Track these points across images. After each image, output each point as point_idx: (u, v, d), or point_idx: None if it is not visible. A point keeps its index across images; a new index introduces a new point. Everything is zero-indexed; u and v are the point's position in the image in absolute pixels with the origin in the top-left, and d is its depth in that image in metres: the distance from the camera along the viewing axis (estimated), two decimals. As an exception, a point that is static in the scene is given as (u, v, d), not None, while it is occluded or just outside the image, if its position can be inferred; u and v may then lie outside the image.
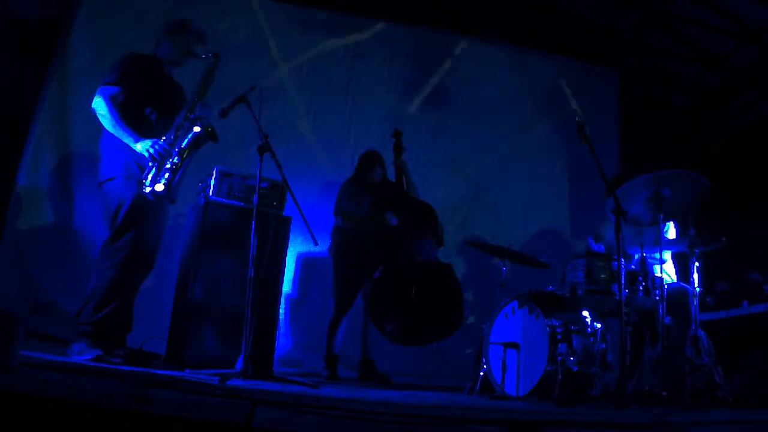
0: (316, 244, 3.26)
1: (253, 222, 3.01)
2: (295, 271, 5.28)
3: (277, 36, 5.71)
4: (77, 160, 4.84)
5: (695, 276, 3.49)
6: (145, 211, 3.19)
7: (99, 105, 3.22)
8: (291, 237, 3.56)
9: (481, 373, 3.49)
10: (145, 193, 3.11)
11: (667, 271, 4.10)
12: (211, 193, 3.36)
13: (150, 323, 3.51)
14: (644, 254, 3.51)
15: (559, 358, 3.17)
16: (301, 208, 3.14)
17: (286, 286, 4.79)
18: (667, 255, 4.05)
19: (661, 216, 3.33)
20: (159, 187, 3.10)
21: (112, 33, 5.08)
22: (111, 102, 3.22)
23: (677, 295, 3.72)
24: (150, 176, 3.12)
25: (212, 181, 3.37)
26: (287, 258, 3.59)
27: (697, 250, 3.53)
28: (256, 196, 3.10)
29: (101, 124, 3.25)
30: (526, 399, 3.22)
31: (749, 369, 3.39)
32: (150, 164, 3.14)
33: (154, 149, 3.12)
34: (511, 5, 6.10)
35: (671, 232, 4.14)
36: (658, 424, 2.18)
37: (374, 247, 4.29)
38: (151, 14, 5.12)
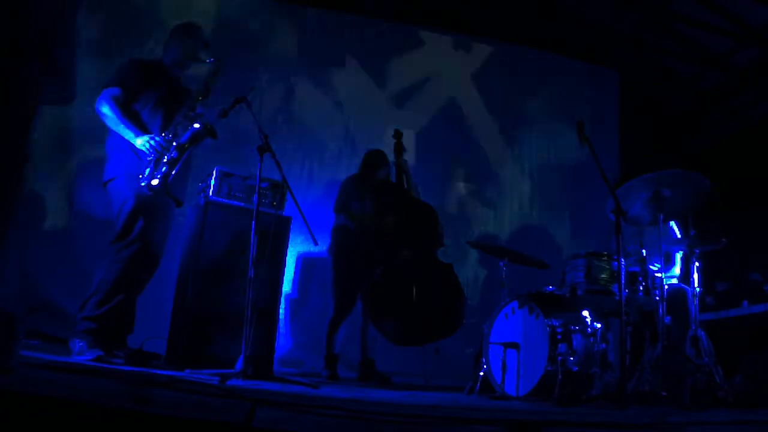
0: (316, 244, 3.26)
1: (253, 222, 3.01)
2: (295, 271, 5.28)
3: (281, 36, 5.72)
4: (77, 160, 4.85)
5: (695, 276, 3.49)
6: (150, 207, 3.21)
7: (101, 105, 3.26)
8: (291, 237, 3.56)
9: (481, 373, 3.49)
10: (141, 187, 3.13)
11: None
12: (211, 193, 3.35)
13: (150, 323, 3.51)
14: (644, 253, 3.50)
15: (559, 358, 3.17)
16: (301, 208, 3.14)
17: (286, 286, 4.78)
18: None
19: (662, 216, 3.33)
20: (154, 181, 3.11)
21: (113, 34, 5.09)
22: (113, 101, 3.25)
23: (677, 295, 3.72)
24: (147, 171, 3.14)
25: (212, 181, 3.36)
26: (287, 258, 3.58)
27: (697, 250, 3.53)
28: (256, 196, 3.10)
29: (105, 124, 3.28)
30: (526, 399, 3.21)
31: (749, 369, 3.38)
32: (148, 159, 3.16)
33: (151, 143, 3.15)
34: (510, 5, 6.10)
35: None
36: (658, 424, 2.18)
37: (374, 246, 4.28)
38: (152, 17, 5.14)
